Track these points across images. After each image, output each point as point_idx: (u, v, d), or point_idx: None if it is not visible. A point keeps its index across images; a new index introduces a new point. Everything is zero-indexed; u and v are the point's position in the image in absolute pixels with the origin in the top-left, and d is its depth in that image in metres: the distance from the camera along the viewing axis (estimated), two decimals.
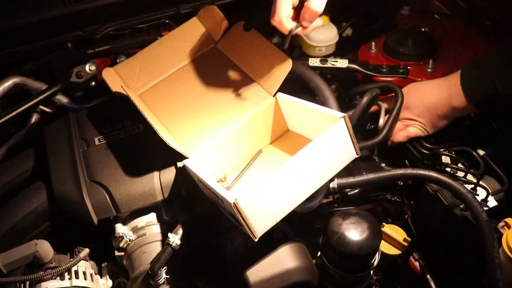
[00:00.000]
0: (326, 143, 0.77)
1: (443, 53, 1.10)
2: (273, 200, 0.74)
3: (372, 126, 1.06)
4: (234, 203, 0.70)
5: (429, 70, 1.07)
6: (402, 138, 1.01)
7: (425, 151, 1.00)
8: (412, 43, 1.10)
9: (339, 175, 0.91)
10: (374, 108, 1.04)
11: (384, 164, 1.04)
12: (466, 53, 1.09)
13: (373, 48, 1.15)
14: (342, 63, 1.06)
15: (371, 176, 0.89)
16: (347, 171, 0.97)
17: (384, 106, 1.03)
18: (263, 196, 0.73)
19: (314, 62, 1.08)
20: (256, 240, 0.73)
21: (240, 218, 0.72)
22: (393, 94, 1.00)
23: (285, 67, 0.92)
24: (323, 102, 0.94)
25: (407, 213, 0.99)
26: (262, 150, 0.95)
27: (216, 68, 1.00)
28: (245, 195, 0.71)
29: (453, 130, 1.01)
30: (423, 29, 1.17)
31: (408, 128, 1.01)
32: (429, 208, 0.95)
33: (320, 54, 1.17)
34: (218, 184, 0.77)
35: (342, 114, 0.77)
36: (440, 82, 0.97)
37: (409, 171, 0.88)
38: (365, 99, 0.95)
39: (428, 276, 0.99)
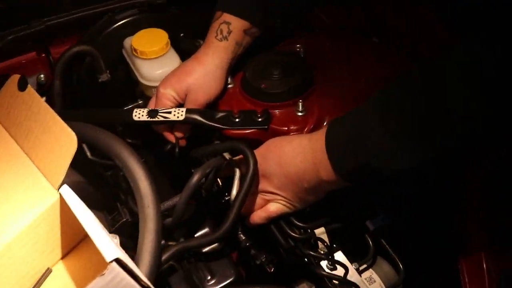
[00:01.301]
0: None
1: (321, 86, 0.82)
2: None
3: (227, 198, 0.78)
4: None
5: (300, 114, 0.79)
6: (261, 220, 0.74)
7: (294, 235, 0.73)
8: (279, 74, 0.82)
9: None
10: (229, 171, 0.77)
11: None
12: (354, 86, 0.81)
13: (230, 83, 0.86)
14: (178, 114, 0.77)
15: None
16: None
17: (238, 172, 0.75)
18: None
19: (140, 115, 0.78)
20: None
21: None
22: None
23: (70, 149, 0.63)
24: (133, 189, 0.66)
25: None
26: (51, 268, 0.67)
27: None
28: None
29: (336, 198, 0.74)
30: (298, 49, 0.88)
31: (268, 206, 0.74)
32: None
33: None
34: None
35: (113, 257, 0.49)
36: (303, 142, 0.69)
37: None
38: (193, 181, 0.67)
39: None
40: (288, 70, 0.83)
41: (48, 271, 0.67)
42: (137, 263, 0.61)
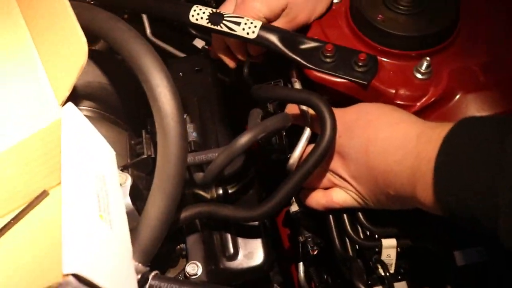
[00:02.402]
0: None
1: (464, 42, 0.54)
2: None
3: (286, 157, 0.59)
4: None
5: (420, 76, 0.53)
6: (318, 207, 0.56)
7: (356, 237, 0.54)
8: (410, 6, 0.54)
9: None
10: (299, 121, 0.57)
11: None
12: None
13: None
14: (249, 28, 0.55)
15: None
16: None
17: (308, 130, 0.54)
18: None
19: (199, 16, 0.56)
20: None
21: None
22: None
23: (79, 59, 0.46)
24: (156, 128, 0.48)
25: None
26: (48, 191, 0.54)
27: None
28: None
29: None
30: None
31: (332, 192, 0.54)
32: None
33: None
34: None
35: (70, 270, 0.34)
36: (410, 133, 0.47)
37: None
38: (239, 143, 0.48)
39: None
40: (426, 2, 0.55)
41: (44, 194, 0.55)
42: (135, 235, 0.47)
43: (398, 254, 0.55)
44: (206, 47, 0.78)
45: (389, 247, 0.55)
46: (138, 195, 0.55)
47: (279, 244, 0.73)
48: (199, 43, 0.77)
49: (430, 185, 0.44)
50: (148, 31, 0.77)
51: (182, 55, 0.78)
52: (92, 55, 0.52)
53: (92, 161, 0.47)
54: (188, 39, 0.77)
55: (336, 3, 0.60)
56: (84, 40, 0.45)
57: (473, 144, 0.41)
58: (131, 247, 0.46)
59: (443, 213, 0.44)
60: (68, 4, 0.47)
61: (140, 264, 0.47)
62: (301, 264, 0.67)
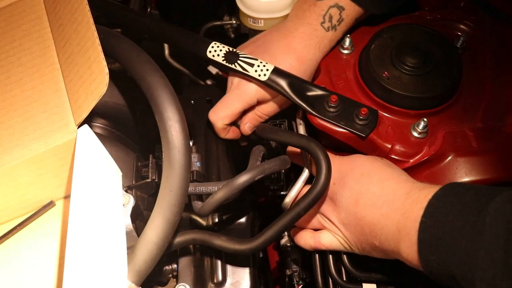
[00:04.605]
0: None
1: (464, 105, 0.59)
2: None
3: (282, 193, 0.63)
4: None
5: (416, 135, 0.57)
6: (305, 246, 0.60)
7: (339, 279, 0.58)
8: (416, 65, 0.58)
9: None
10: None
11: None
12: None
13: (346, 48, 0.64)
14: (261, 71, 0.59)
15: None
16: None
17: (306, 172, 0.59)
18: None
19: (216, 52, 0.61)
20: None
21: None
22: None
23: (99, 89, 0.50)
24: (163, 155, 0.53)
25: None
26: (55, 202, 0.59)
27: (18, 40, 0.58)
28: None
29: None
30: (459, 33, 0.62)
31: (320, 234, 0.58)
32: None
33: (258, 27, 0.68)
34: None
35: None
36: (399, 192, 0.51)
37: None
38: (239, 182, 0.52)
39: None
40: (431, 63, 0.59)
41: (51, 204, 0.60)
42: (132, 256, 0.51)
43: None
44: (220, 73, 0.82)
45: None
46: (139, 215, 0.60)
47: (268, 274, 0.77)
48: (213, 69, 0.82)
49: (413, 243, 0.48)
50: (166, 52, 0.82)
51: (195, 77, 0.83)
52: (112, 76, 0.57)
53: (100, 180, 0.52)
54: (203, 63, 0.82)
55: (347, 53, 0.64)
56: (106, 70, 0.49)
57: (455, 210, 0.45)
58: (127, 267, 0.50)
59: (424, 270, 0.48)
60: (95, 33, 0.51)
61: (133, 284, 0.51)
62: None
